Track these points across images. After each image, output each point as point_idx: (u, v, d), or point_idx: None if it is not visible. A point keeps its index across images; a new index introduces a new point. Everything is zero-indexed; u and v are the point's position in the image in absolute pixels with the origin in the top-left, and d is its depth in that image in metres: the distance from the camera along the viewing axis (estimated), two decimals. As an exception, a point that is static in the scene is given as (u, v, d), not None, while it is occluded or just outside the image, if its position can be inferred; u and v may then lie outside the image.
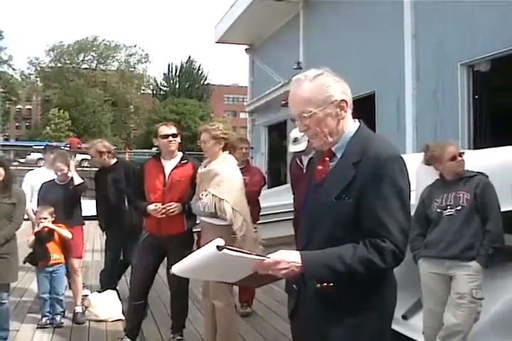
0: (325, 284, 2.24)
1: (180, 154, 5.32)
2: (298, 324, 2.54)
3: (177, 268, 2.31)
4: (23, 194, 5.56)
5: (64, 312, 6.18)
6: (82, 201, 6.59)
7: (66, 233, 6.01)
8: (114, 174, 6.50)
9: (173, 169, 5.20)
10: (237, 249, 2.13)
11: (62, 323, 6.00)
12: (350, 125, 2.40)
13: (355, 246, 2.20)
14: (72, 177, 6.40)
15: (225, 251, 2.05)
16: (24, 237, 5.94)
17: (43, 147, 8.81)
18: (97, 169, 7.00)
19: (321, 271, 2.19)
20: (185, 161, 5.26)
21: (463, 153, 4.47)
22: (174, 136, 5.22)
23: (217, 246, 2.05)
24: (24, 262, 5.92)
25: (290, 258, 2.19)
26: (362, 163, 2.25)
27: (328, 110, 2.32)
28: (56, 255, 6.00)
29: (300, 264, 2.18)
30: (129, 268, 6.59)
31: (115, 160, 6.66)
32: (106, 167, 6.63)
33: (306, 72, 2.39)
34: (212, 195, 4.70)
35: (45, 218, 5.94)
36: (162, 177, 5.18)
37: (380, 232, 2.20)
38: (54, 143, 11.65)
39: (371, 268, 2.19)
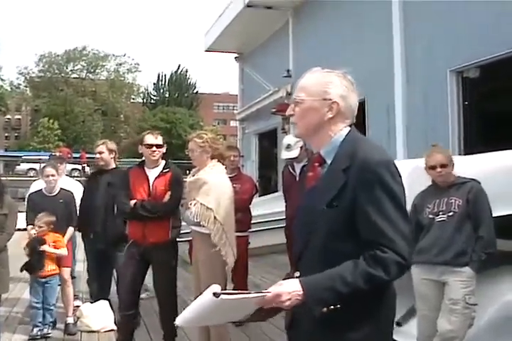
0: (331, 307, 2.12)
1: (163, 162, 5.31)
2: (295, 337, 2.44)
3: (181, 320, 2.23)
4: (15, 204, 5.52)
5: (54, 322, 6.14)
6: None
7: (60, 252, 5.97)
8: (109, 177, 6.30)
9: (156, 178, 5.19)
10: (235, 292, 2.08)
11: (49, 333, 5.94)
12: (340, 130, 2.33)
13: (356, 263, 2.10)
14: (61, 189, 6.37)
15: (222, 296, 1.99)
16: (16, 248, 5.89)
17: (47, 157, 8.71)
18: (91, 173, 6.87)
19: (323, 295, 2.09)
20: (167, 170, 5.24)
21: (445, 165, 4.44)
22: (159, 146, 5.22)
23: (214, 294, 1.99)
24: (21, 270, 5.89)
25: (290, 288, 2.11)
26: (351, 169, 2.18)
27: (315, 103, 2.30)
28: (51, 266, 5.97)
29: (301, 292, 2.10)
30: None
31: (114, 165, 6.57)
32: (103, 169, 6.50)
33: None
34: (201, 204, 4.70)
35: (41, 227, 5.89)
36: (146, 187, 5.17)
37: (379, 241, 2.10)
38: (59, 153, 11.60)
39: (375, 283, 2.10)
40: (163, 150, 5.27)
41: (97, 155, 6.47)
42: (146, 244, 5.11)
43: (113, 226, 6.12)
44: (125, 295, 5.31)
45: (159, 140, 5.24)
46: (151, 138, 5.22)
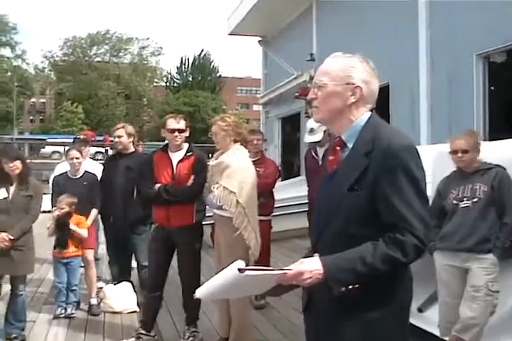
0: (350, 287, 2.18)
1: (186, 146, 5.29)
2: (311, 318, 2.50)
3: (200, 292, 2.27)
4: (40, 186, 5.58)
5: (78, 302, 6.25)
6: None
7: (81, 231, 6.05)
8: (128, 161, 6.32)
9: (179, 162, 5.18)
10: (258, 268, 2.11)
11: (73, 314, 6.05)
12: (362, 114, 2.35)
13: (375, 244, 2.15)
14: (85, 172, 6.43)
15: (247, 273, 2.03)
16: (41, 229, 5.98)
17: (71, 140, 8.66)
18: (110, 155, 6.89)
19: (343, 274, 2.14)
20: (190, 153, 5.22)
21: (467, 151, 4.39)
22: (181, 131, 5.19)
23: (239, 269, 2.03)
24: (54, 248, 6.04)
25: (311, 266, 2.15)
26: (374, 153, 2.20)
27: (338, 88, 2.32)
28: (73, 248, 6.06)
29: (322, 271, 2.14)
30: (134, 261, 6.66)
31: (133, 149, 6.59)
32: (122, 153, 6.51)
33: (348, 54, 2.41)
34: (224, 187, 4.70)
35: (62, 208, 5.97)
36: (170, 171, 5.17)
37: (400, 224, 2.14)
38: (88, 136, 11.68)
39: (394, 264, 2.15)
40: (186, 134, 5.24)
41: (116, 139, 6.48)
42: (170, 227, 5.13)
43: (132, 210, 6.20)
44: (152, 277, 5.36)
45: (181, 124, 5.21)
46: (173, 123, 5.20)
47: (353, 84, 2.31)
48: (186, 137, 5.28)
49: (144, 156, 6.24)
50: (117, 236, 6.46)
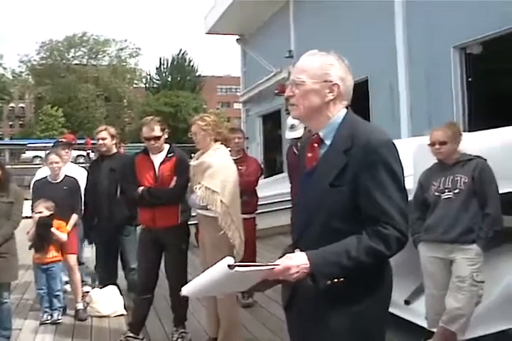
0: (335, 280, 2.23)
1: (167, 147, 5.25)
2: (294, 315, 2.53)
3: (187, 290, 2.29)
4: (21, 192, 5.53)
5: (63, 308, 6.19)
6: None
7: (61, 235, 5.99)
8: (111, 163, 6.31)
9: (160, 164, 5.15)
10: (248, 264, 2.13)
11: (59, 319, 6.00)
12: (338, 111, 2.39)
13: (359, 238, 2.20)
14: (65, 176, 6.39)
15: (237, 269, 2.05)
16: (24, 235, 5.92)
17: (52, 144, 8.56)
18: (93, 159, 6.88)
19: (329, 268, 2.19)
20: (172, 154, 5.19)
21: (444, 142, 4.40)
22: (156, 138, 5.14)
23: (229, 266, 2.05)
24: (29, 248, 5.96)
25: (298, 261, 2.18)
26: (353, 150, 2.25)
27: (316, 86, 2.35)
28: (53, 252, 6.00)
29: (308, 265, 2.17)
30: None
31: (116, 150, 6.56)
32: (105, 155, 6.49)
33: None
34: (206, 187, 4.69)
35: (41, 212, 5.91)
36: (152, 173, 5.14)
37: (382, 218, 2.20)
38: (69, 139, 11.51)
39: (377, 257, 2.22)
40: (162, 140, 5.19)
41: (100, 141, 6.44)
42: (156, 228, 5.11)
43: (118, 211, 6.16)
44: (142, 279, 5.32)
45: (156, 131, 5.13)
46: (146, 131, 5.15)
47: (331, 81, 2.34)
48: (166, 138, 5.26)
49: (126, 157, 6.26)
50: (104, 238, 6.42)
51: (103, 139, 6.41)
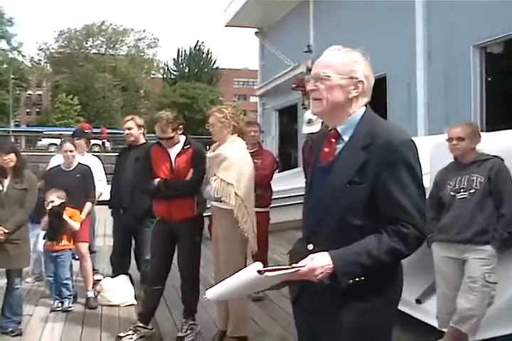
0: (356, 279, 2.24)
1: (183, 139, 5.22)
2: (302, 310, 2.53)
3: (211, 294, 2.30)
4: (35, 179, 5.55)
5: (74, 296, 6.22)
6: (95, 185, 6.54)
7: (74, 224, 6.01)
8: (138, 153, 6.12)
9: (177, 155, 5.12)
10: (275, 268, 2.14)
11: (70, 307, 6.03)
12: (359, 108, 2.38)
13: (379, 237, 2.22)
14: (78, 164, 6.40)
15: (266, 274, 2.08)
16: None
17: (71, 133, 8.58)
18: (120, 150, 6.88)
19: (351, 268, 2.20)
20: (188, 146, 5.16)
21: (462, 138, 4.35)
22: (168, 139, 5.11)
23: (259, 271, 2.07)
24: (43, 238, 6.02)
25: (323, 262, 2.19)
26: (373, 147, 2.25)
27: (343, 82, 2.33)
28: (64, 241, 6.03)
29: (332, 266, 2.18)
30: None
31: (144, 140, 6.53)
32: (133, 145, 6.46)
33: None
34: (221, 179, 4.69)
35: (52, 201, 5.93)
36: (169, 165, 5.11)
37: (402, 217, 2.21)
38: (85, 128, 11.48)
39: (397, 256, 2.26)
40: (176, 137, 5.12)
41: (126, 131, 6.42)
42: (172, 220, 5.11)
43: (140, 202, 6.10)
44: (156, 270, 5.31)
45: (168, 133, 5.05)
46: (158, 132, 5.08)
47: (356, 78, 2.34)
48: (183, 129, 5.21)
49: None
50: (121, 227, 6.48)
51: (129, 129, 6.39)
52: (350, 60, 2.34)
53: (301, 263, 2.19)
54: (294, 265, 2.18)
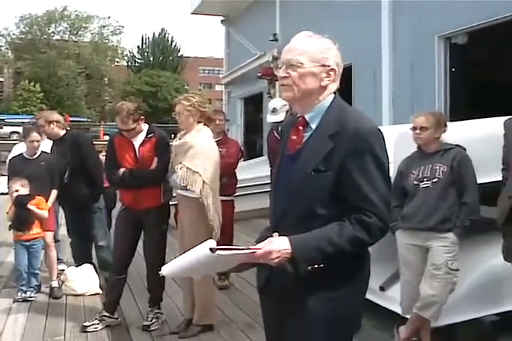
0: (315, 266, 2.23)
1: (146, 127, 5.18)
2: (270, 299, 2.51)
3: (167, 270, 2.29)
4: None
5: (39, 286, 6.16)
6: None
7: (41, 212, 5.94)
8: (61, 147, 6.36)
9: (141, 144, 5.09)
10: (229, 247, 2.12)
11: (33, 297, 5.98)
12: (327, 95, 2.37)
13: (341, 225, 2.21)
14: (42, 152, 6.32)
15: (218, 252, 2.05)
16: (3, 215, 5.87)
17: (30, 120, 8.47)
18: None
19: (311, 254, 2.19)
20: (151, 135, 5.13)
21: (425, 128, 4.39)
22: (130, 130, 5.08)
23: (211, 249, 2.05)
24: (9, 229, 5.96)
25: (280, 246, 2.17)
26: (340, 135, 2.22)
27: (315, 69, 2.30)
28: (36, 229, 5.97)
29: (290, 250, 2.17)
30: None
31: (64, 131, 6.49)
32: (54, 139, 6.49)
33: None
34: (187, 167, 4.68)
35: (17, 190, 5.85)
36: (133, 154, 5.09)
37: (366, 207, 2.21)
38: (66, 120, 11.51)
39: (359, 244, 2.24)
40: (138, 127, 5.10)
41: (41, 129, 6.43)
42: (138, 209, 5.09)
43: (76, 190, 6.22)
44: (118, 259, 5.29)
45: (129, 125, 5.02)
46: (119, 123, 5.07)
47: (329, 66, 2.32)
48: (146, 117, 5.17)
49: (76, 136, 6.60)
50: (72, 218, 6.54)
51: (42, 127, 6.42)
52: (323, 48, 2.32)
53: (259, 245, 2.19)
54: (250, 246, 2.17)
